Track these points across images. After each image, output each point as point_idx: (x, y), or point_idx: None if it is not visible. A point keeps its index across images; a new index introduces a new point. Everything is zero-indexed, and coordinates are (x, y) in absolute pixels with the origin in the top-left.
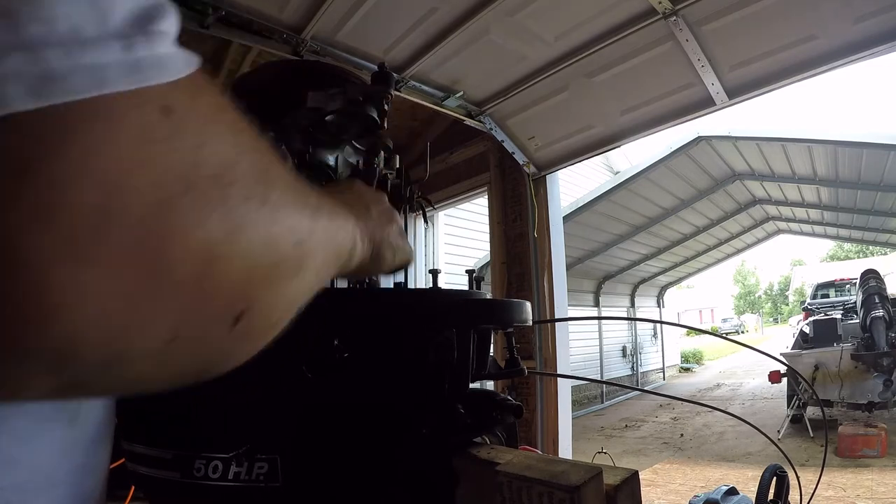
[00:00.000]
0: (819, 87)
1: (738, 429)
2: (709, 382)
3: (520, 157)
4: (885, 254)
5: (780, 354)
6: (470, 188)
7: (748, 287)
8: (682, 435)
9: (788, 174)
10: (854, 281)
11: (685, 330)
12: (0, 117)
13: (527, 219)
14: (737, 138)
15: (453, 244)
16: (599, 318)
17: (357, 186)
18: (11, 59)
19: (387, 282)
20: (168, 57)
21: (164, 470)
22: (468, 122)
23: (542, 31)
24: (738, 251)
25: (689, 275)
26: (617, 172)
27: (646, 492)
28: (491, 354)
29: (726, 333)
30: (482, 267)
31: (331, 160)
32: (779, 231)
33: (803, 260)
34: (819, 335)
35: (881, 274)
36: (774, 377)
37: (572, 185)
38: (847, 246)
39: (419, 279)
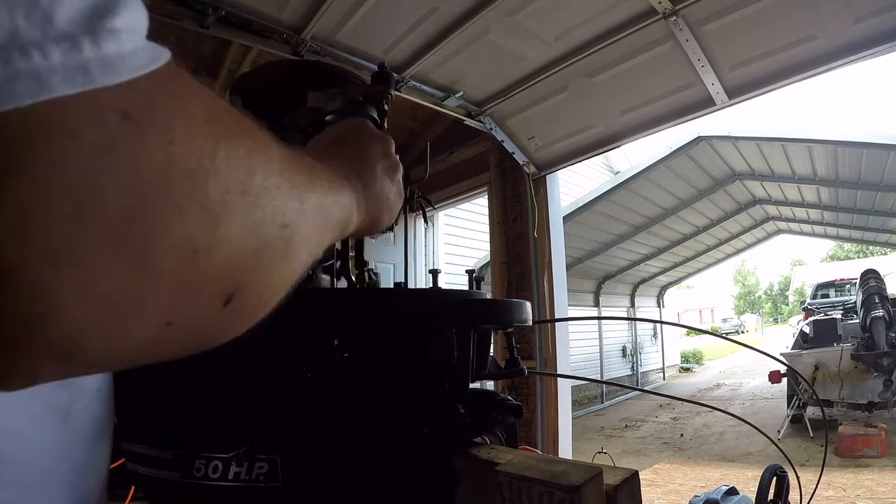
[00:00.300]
0: (819, 87)
1: (738, 429)
2: (709, 382)
3: (520, 157)
4: (885, 254)
5: (780, 354)
6: (470, 188)
7: (748, 287)
8: (682, 435)
9: (788, 174)
10: (854, 281)
11: (685, 330)
12: None
13: (527, 219)
14: (737, 138)
15: (453, 244)
16: (599, 318)
17: (365, 134)
18: None
19: (387, 282)
20: (119, 56)
21: (164, 470)
22: (468, 122)
23: (542, 31)
24: (738, 251)
25: (689, 275)
26: (617, 172)
27: (646, 492)
28: (491, 354)
29: (726, 333)
30: (482, 267)
31: None
32: (779, 231)
33: (803, 260)
34: (819, 335)
35: (881, 274)
36: (774, 377)
37: (572, 185)
38: (847, 246)
39: (419, 279)
